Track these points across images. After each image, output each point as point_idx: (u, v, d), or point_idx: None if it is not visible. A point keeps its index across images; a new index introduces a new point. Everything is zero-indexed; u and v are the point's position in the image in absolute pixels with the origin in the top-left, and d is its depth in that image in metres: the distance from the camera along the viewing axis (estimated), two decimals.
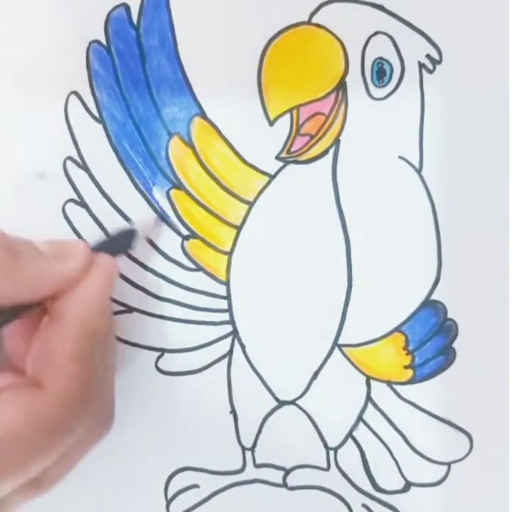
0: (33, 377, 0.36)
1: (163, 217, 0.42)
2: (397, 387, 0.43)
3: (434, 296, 0.42)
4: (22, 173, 0.42)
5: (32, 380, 0.35)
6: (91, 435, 0.38)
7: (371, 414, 0.44)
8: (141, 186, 0.42)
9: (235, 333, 0.43)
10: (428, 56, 0.41)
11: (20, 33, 0.41)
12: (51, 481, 0.38)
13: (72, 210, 0.43)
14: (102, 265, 0.38)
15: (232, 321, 0.43)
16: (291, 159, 0.42)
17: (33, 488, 0.37)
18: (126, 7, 0.41)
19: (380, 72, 0.41)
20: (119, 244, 0.41)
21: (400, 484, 0.44)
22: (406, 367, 0.43)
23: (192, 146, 0.42)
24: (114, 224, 0.42)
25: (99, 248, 0.39)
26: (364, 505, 0.44)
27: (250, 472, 0.45)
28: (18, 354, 0.38)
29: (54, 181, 0.42)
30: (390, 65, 0.41)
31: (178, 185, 0.42)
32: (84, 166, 0.42)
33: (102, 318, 0.37)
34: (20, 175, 0.42)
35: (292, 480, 0.45)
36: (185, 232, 0.43)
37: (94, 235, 0.42)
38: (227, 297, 0.43)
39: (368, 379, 0.43)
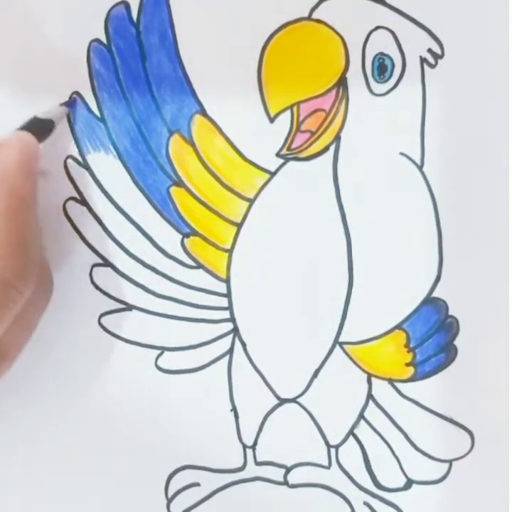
0: None
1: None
2: (399, 385, 0.43)
3: (435, 294, 0.42)
4: None
5: None
6: (37, 298, 0.39)
7: (372, 412, 0.43)
8: (141, 184, 0.42)
9: (235, 330, 0.43)
10: (430, 50, 0.40)
11: (20, 32, 0.41)
12: (11, 350, 0.39)
13: (73, 208, 0.43)
14: (18, 136, 0.39)
15: (232, 319, 0.43)
16: (291, 156, 0.42)
17: None
18: (126, 5, 0.41)
19: (381, 68, 0.41)
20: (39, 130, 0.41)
21: (401, 482, 0.44)
22: (407, 364, 0.43)
23: (192, 144, 0.42)
24: (115, 223, 0.43)
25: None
26: (365, 503, 0.44)
27: (251, 470, 0.45)
28: None
29: (55, 180, 0.42)
30: (391, 60, 0.41)
31: (179, 183, 0.42)
32: (84, 165, 0.42)
33: (26, 183, 0.38)
34: None
35: (293, 478, 0.44)
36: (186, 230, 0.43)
37: (94, 234, 0.43)
38: (228, 295, 0.43)
39: (369, 376, 0.43)
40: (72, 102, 0.42)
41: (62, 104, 0.42)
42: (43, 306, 0.41)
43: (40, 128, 0.41)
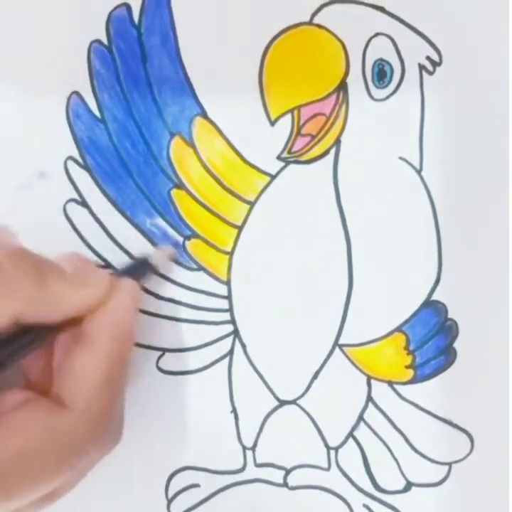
0: (56, 395, 0.36)
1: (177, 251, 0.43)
2: (398, 387, 0.43)
3: (434, 296, 0.42)
4: (23, 172, 0.42)
5: (56, 398, 0.36)
6: (101, 452, 0.39)
7: (372, 414, 0.44)
8: (142, 186, 0.42)
9: (235, 332, 0.43)
10: (428, 58, 0.41)
11: (21, 33, 0.41)
12: (60, 493, 0.38)
13: (73, 209, 0.43)
14: (127, 289, 0.39)
15: (233, 321, 0.43)
16: (292, 159, 0.42)
17: (44, 501, 0.37)
18: (128, 7, 0.41)
19: (381, 74, 0.41)
20: (137, 272, 0.41)
21: (400, 484, 0.44)
22: (407, 367, 0.43)
23: (193, 146, 0.42)
24: (115, 223, 0.43)
25: (119, 274, 0.40)
26: (365, 505, 0.44)
27: (251, 472, 0.45)
28: (34, 371, 0.39)
29: (55, 181, 0.42)
30: (391, 66, 0.41)
31: (179, 185, 0.42)
32: (85, 166, 0.42)
33: (129, 341, 0.38)
34: (22, 174, 0.42)
35: (293, 480, 0.45)
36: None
37: (94, 235, 0.43)
38: (228, 297, 0.43)
39: (369, 379, 0.43)
40: (177, 245, 0.43)
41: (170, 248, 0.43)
42: (102, 456, 0.39)
43: (143, 270, 0.42)
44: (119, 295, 0.38)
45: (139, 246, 0.43)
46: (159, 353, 0.43)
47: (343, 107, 0.41)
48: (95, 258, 0.43)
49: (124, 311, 0.38)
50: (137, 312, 0.39)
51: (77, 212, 0.43)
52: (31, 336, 0.36)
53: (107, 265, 0.43)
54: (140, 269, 0.42)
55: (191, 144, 0.42)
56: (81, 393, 0.35)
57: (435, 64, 0.41)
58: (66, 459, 0.35)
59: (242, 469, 0.45)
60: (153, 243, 0.43)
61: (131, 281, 0.39)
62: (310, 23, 0.41)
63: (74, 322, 0.37)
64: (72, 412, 0.35)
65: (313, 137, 0.42)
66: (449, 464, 0.44)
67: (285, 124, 0.42)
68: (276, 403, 0.44)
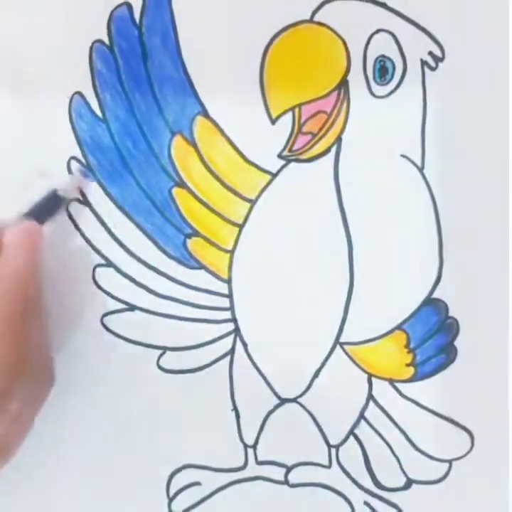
0: None
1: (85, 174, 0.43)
2: (399, 385, 0.43)
3: (435, 295, 0.42)
4: (26, 172, 0.43)
5: None
6: (35, 394, 0.39)
7: (373, 412, 0.44)
8: (143, 185, 0.42)
9: (236, 331, 0.43)
10: (430, 53, 0.41)
11: (23, 33, 0.42)
12: (10, 446, 0.39)
13: (76, 208, 0.43)
14: (26, 232, 0.39)
15: (234, 319, 0.43)
16: (293, 157, 0.42)
17: None
18: (129, 6, 0.41)
19: (382, 70, 0.41)
20: (48, 209, 0.41)
21: (401, 481, 0.44)
22: (407, 365, 0.43)
23: (194, 145, 0.42)
24: (117, 224, 0.43)
25: (28, 215, 0.41)
26: (365, 503, 0.44)
27: (252, 469, 0.45)
28: None
29: (57, 180, 0.42)
30: (392, 62, 0.41)
31: (181, 184, 0.42)
32: (87, 165, 0.42)
33: (26, 286, 0.38)
34: (24, 174, 0.43)
35: (294, 477, 0.45)
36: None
37: (96, 233, 0.43)
38: (229, 295, 0.43)
39: (370, 377, 0.43)
40: (83, 173, 0.43)
41: (71, 175, 0.43)
42: (40, 400, 0.40)
43: (49, 206, 0.42)
44: (19, 238, 0.39)
45: (141, 246, 0.43)
46: (160, 351, 0.44)
47: (345, 104, 0.41)
48: (97, 257, 0.43)
49: (22, 254, 0.38)
50: (35, 251, 0.39)
51: (79, 211, 0.43)
52: None
53: (109, 265, 0.43)
54: (51, 203, 0.42)
55: (192, 143, 0.42)
56: None
57: (438, 59, 0.41)
58: None
59: (244, 467, 0.45)
60: (155, 242, 0.43)
61: (32, 224, 0.40)
62: (311, 20, 0.41)
63: None
64: None
65: (314, 135, 0.42)
66: (450, 462, 0.44)
67: (286, 122, 0.41)
68: (277, 401, 0.44)
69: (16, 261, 0.38)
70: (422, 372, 0.43)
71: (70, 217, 0.43)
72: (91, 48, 0.41)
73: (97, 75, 0.42)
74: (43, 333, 0.40)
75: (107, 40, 0.41)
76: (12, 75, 0.42)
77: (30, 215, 0.40)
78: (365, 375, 0.43)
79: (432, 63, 0.41)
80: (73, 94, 0.42)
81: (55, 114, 0.42)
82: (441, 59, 0.41)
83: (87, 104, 0.42)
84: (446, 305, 0.42)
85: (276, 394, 0.44)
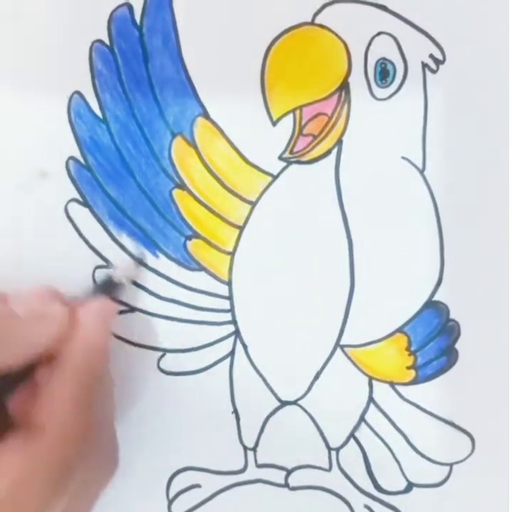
0: (31, 424, 0.36)
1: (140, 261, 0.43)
2: (400, 388, 0.43)
3: (436, 297, 0.42)
4: (24, 172, 0.42)
5: (30, 426, 0.36)
6: (96, 477, 0.39)
7: (373, 415, 0.44)
8: (144, 186, 0.42)
9: (237, 333, 0.43)
10: (431, 56, 0.41)
11: (23, 32, 0.41)
12: None
13: (75, 209, 0.43)
14: (97, 310, 0.39)
15: (234, 321, 0.43)
16: (294, 159, 0.42)
17: None
18: (129, 7, 0.41)
19: (383, 73, 0.41)
20: (105, 291, 0.41)
21: (401, 485, 0.44)
22: (408, 367, 0.43)
23: (195, 146, 0.42)
24: (117, 226, 0.43)
25: (86, 297, 0.40)
26: (366, 506, 0.44)
27: (252, 472, 0.45)
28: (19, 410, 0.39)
29: (56, 181, 0.42)
30: (393, 65, 0.41)
31: (181, 185, 0.42)
32: (86, 166, 0.42)
33: (99, 363, 0.38)
34: (23, 174, 0.43)
35: (294, 480, 0.45)
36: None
37: (95, 235, 0.43)
38: (230, 297, 0.43)
39: (370, 379, 0.43)
40: (141, 259, 0.43)
41: (132, 260, 0.43)
42: (101, 485, 0.40)
43: (113, 290, 0.42)
44: (88, 320, 0.38)
45: (142, 247, 0.43)
46: (160, 353, 0.44)
47: (345, 106, 0.41)
48: (97, 257, 0.43)
49: (91, 333, 0.38)
50: (108, 330, 0.39)
51: (78, 212, 0.43)
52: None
53: (109, 267, 0.43)
54: (107, 287, 0.42)
55: (193, 144, 0.42)
56: (53, 416, 0.35)
57: (438, 62, 0.41)
58: (55, 484, 0.35)
59: (243, 470, 0.45)
60: (156, 243, 0.43)
61: (100, 302, 0.40)
62: (312, 22, 0.41)
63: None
64: (46, 435, 0.35)
65: (315, 137, 0.42)
66: (450, 465, 0.44)
67: (287, 124, 0.41)
68: (277, 404, 0.44)
69: (91, 339, 0.38)
70: (422, 375, 0.43)
71: (70, 218, 0.43)
72: (91, 48, 0.41)
73: (97, 75, 0.42)
74: (110, 414, 0.40)
75: (107, 41, 0.41)
76: (11, 75, 0.42)
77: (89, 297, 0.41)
78: (366, 378, 0.43)
79: (433, 66, 0.41)
80: (73, 94, 0.42)
81: (54, 113, 0.42)
82: (442, 62, 0.41)
83: (87, 104, 0.42)
84: (447, 308, 0.42)
85: (276, 396, 0.44)
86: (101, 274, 0.42)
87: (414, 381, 0.43)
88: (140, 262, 0.43)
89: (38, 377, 0.37)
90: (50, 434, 0.35)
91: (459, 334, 0.42)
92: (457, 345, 0.42)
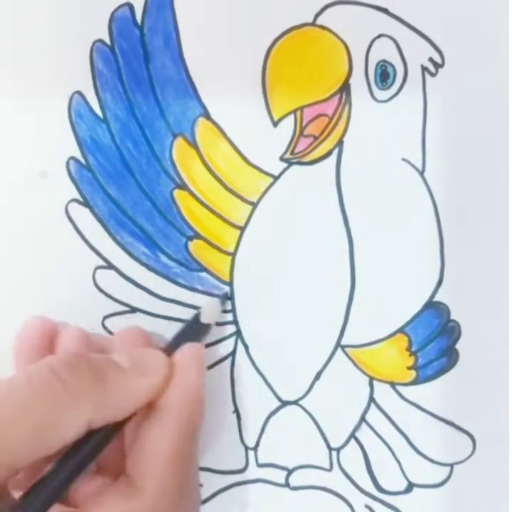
0: (130, 478, 0.36)
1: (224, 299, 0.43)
2: (400, 388, 0.43)
3: (437, 298, 0.42)
4: (25, 172, 0.42)
5: (129, 480, 0.36)
6: None
7: (374, 415, 0.44)
8: (145, 187, 0.42)
9: (238, 333, 0.43)
10: (431, 60, 0.41)
11: (23, 32, 0.41)
12: None
13: (75, 209, 0.43)
14: (192, 356, 0.39)
15: (235, 322, 0.43)
16: (294, 160, 0.42)
17: None
18: (130, 7, 0.41)
19: (384, 75, 0.41)
20: (192, 334, 0.41)
21: (402, 485, 0.44)
22: (409, 368, 0.43)
23: (196, 147, 0.42)
24: (118, 226, 0.43)
25: (176, 341, 0.40)
26: (366, 506, 0.44)
27: (253, 472, 0.45)
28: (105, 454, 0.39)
29: (57, 181, 0.42)
30: (394, 67, 0.41)
31: (182, 186, 0.42)
32: (87, 166, 0.42)
33: (199, 410, 0.38)
34: (23, 174, 0.42)
35: (295, 480, 0.45)
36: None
37: (96, 235, 0.42)
38: (231, 298, 0.43)
39: (371, 380, 0.43)
40: (225, 299, 0.43)
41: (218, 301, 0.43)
42: None
43: (201, 331, 0.42)
44: (185, 366, 0.38)
45: (143, 248, 0.43)
46: None
47: (346, 108, 0.41)
48: (97, 258, 0.43)
49: (190, 380, 0.38)
50: (203, 376, 0.39)
51: (79, 212, 0.43)
52: (103, 435, 0.36)
53: (110, 267, 0.43)
54: (194, 329, 0.42)
55: (194, 145, 0.42)
56: (153, 472, 0.35)
57: (437, 66, 0.41)
58: None
59: (244, 469, 0.45)
60: (157, 244, 0.43)
61: (193, 346, 0.40)
62: (313, 24, 0.41)
63: None
64: (146, 494, 0.35)
65: (315, 138, 0.42)
66: (451, 465, 0.44)
67: (288, 125, 0.42)
68: (278, 403, 0.44)
69: (190, 386, 0.38)
70: (423, 375, 0.43)
71: (70, 218, 0.42)
72: (92, 48, 0.41)
73: (98, 75, 0.41)
74: (197, 469, 0.40)
75: (108, 41, 0.41)
76: (12, 74, 0.42)
77: (178, 341, 0.41)
78: (367, 378, 0.43)
79: (432, 69, 0.41)
80: (73, 94, 0.42)
81: (54, 113, 0.42)
82: (441, 65, 0.41)
83: (88, 104, 0.42)
84: (447, 308, 0.42)
85: (277, 396, 0.44)
86: (191, 316, 0.42)
87: (415, 381, 0.43)
88: (224, 301, 0.43)
89: (138, 428, 0.37)
90: (150, 494, 0.35)
91: (459, 335, 0.43)
92: (458, 346, 0.43)
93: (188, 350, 0.39)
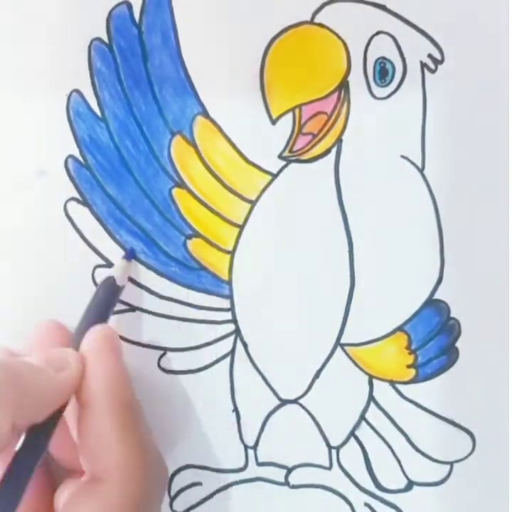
0: (91, 474, 0.37)
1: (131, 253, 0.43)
2: (400, 387, 0.43)
3: (436, 295, 0.42)
4: (23, 171, 0.42)
5: (91, 477, 0.36)
6: (158, 492, 0.40)
7: (373, 414, 0.44)
8: (143, 185, 0.42)
9: (237, 331, 0.43)
10: (430, 56, 0.41)
11: (22, 30, 0.41)
12: None
13: (74, 208, 0.43)
14: (103, 337, 0.39)
15: (234, 320, 0.43)
16: (293, 158, 0.42)
17: None
18: (128, 5, 0.41)
19: (382, 72, 0.41)
20: (107, 301, 0.42)
21: (402, 483, 0.44)
22: (408, 366, 0.43)
23: (194, 145, 0.42)
24: (116, 225, 0.43)
25: (90, 314, 0.41)
26: (366, 504, 0.44)
27: (252, 470, 0.45)
28: (59, 451, 0.40)
29: (55, 179, 0.42)
30: (392, 64, 0.41)
31: (181, 184, 0.42)
32: (85, 165, 0.42)
33: (125, 388, 0.38)
34: (22, 173, 0.42)
35: (294, 478, 0.44)
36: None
37: (95, 234, 0.42)
38: (230, 296, 0.43)
39: (371, 378, 0.43)
40: (131, 254, 0.43)
41: (123, 258, 0.43)
42: (163, 493, 0.41)
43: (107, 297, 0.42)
44: (95, 354, 0.38)
45: (141, 246, 0.43)
46: (160, 352, 0.43)
47: (345, 105, 0.41)
48: (96, 256, 0.43)
49: (103, 368, 0.38)
50: (117, 353, 0.39)
51: (77, 211, 0.43)
52: (39, 435, 0.36)
53: (109, 266, 0.43)
54: (108, 292, 0.42)
55: (192, 143, 0.42)
56: (105, 460, 0.36)
57: (437, 62, 0.41)
58: None
59: (244, 468, 0.45)
60: (155, 243, 0.43)
61: (99, 330, 0.40)
62: (311, 21, 0.41)
63: None
64: (110, 483, 0.35)
65: (314, 136, 0.42)
66: (451, 463, 0.44)
67: (286, 122, 0.42)
68: (277, 402, 0.44)
69: (104, 370, 0.38)
70: (423, 373, 0.43)
71: (69, 217, 0.42)
72: (90, 46, 0.41)
73: (96, 74, 0.41)
74: (150, 431, 0.40)
75: (106, 39, 0.41)
76: (10, 73, 0.42)
77: (94, 311, 0.41)
78: (366, 377, 0.43)
79: (432, 66, 0.41)
80: (71, 93, 0.42)
81: (53, 112, 0.42)
82: (441, 62, 0.41)
83: (86, 102, 0.42)
84: (447, 306, 0.42)
85: (276, 395, 0.44)
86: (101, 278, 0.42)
87: (415, 380, 0.43)
88: (134, 258, 0.43)
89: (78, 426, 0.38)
90: (113, 482, 0.35)
91: (459, 333, 0.42)
92: (457, 344, 0.43)
93: (94, 336, 0.39)
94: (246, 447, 0.44)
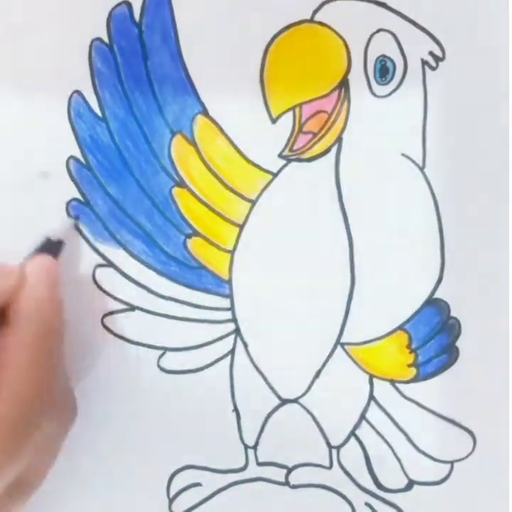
0: None
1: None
2: (400, 386, 0.43)
3: (437, 295, 0.42)
4: (24, 172, 0.42)
5: None
6: (58, 429, 0.40)
7: (374, 413, 0.43)
8: (143, 184, 0.42)
9: (237, 331, 0.43)
10: (431, 53, 0.41)
11: (22, 31, 0.41)
12: (33, 480, 0.39)
13: (76, 209, 0.43)
14: (42, 267, 0.40)
15: (234, 320, 0.43)
16: (293, 157, 0.42)
17: (18, 491, 0.38)
18: (128, 5, 0.41)
19: (383, 70, 0.41)
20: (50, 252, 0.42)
21: (402, 483, 0.44)
22: (409, 365, 0.43)
23: (194, 144, 0.42)
24: (117, 224, 0.43)
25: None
26: (367, 504, 0.44)
27: (253, 470, 0.44)
28: None
29: (57, 180, 0.42)
30: (393, 62, 0.41)
31: (181, 184, 0.42)
32: (87, 165, 0.42)
33: (51, 314, 0.38)
34: (23, 174, 0.43)
35: (295, 478, 0.44)
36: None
37: (97, 234, 0.43)
38: (230, 296, 0.43)
39: (371, 377, 0.43)
40: (77, 217, 0.43)
41: (69, 218, 0.43)
42: (63, 434, 0.41)
43: (53, 249, 0.42)
44: (35, 278, 0.39)
45: (142, 246, 0.43)
46: (160, 351, 0.43)
47: (345, 104, 0.41)
48: (97, 256, 0.43)
49: (40, 293, 0.38)
50: (54, 282, 0.39)
51: (79, 211, 0.43)
52: None
53: (110, 265, 0.43)
54: (51, 248, 0.42)
55: (192, 142, 0.42)
56: (10, 376, 0.36)
57: (438, 59, 0.41)
58: (17, 440, 0.36)
59: (244, 468, 0.45)
60: (155, 242, 0.43)
61: (44, 259, 0.40)
62: (311, 20, 0.41)
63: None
64: (5, 395, 0.36)
65: (314, 135, 0.42)
66: (451, 463, 0.44)
67: (287, 121, 0.41)
68: (278, 402, 0.44)
69: (39, 291, 0.38)
70: (423, 372, 0.43)
71: (70, 216, 0.43)
72: (90, 47, 0.41)
73: (97, 74, 0.42)
74: (64, 365, 0.41)
75: (106, 39, 0.41)
76: (11, 74, 0.42)
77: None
78: (367, 376, 0.43)
79: (433, 63, 0.41)
80: (72, 93, 0.42)
81: (54, 113, 0.42)
82: (442, 59, 0.41)
83: (87, 102, 0.42)
84: (448, 305, 0.42)
85: (276, 394, 0.44)
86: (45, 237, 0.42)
87: (415, 379, 0.43)
88: (75, 224, 0.43)
89: None
90: (9, 395, 0.36)
91: (459, 332, 0.42)
92: (458, 343, 0.42)
93: (38, 262, 0.40)
94: (246, 447, 0.44)
